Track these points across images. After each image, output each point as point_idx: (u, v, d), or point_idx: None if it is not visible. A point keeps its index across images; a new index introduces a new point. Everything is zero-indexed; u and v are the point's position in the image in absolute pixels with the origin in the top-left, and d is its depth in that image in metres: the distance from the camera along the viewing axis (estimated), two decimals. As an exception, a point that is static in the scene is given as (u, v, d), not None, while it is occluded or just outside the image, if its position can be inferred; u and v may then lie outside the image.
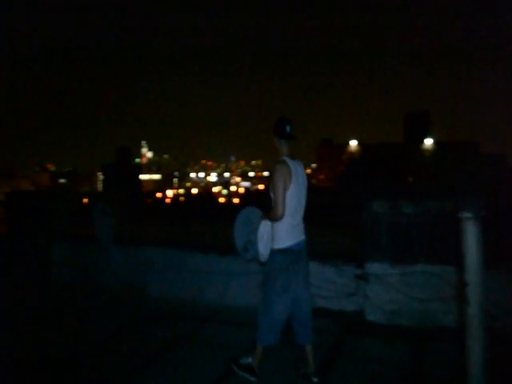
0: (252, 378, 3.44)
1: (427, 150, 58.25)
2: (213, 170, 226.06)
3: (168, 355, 3.99)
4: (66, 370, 3.80)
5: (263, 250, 3.44)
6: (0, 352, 4.20)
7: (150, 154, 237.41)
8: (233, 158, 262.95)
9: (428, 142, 59.36)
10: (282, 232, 3.35)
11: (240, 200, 41.21)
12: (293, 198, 3.30)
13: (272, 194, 3.32)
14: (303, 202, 3.44)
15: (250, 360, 3.51)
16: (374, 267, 4.56)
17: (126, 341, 4.37)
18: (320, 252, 5.12)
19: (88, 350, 4.17)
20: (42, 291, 6.22)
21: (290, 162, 3.34)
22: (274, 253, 3.40)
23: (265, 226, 3.43)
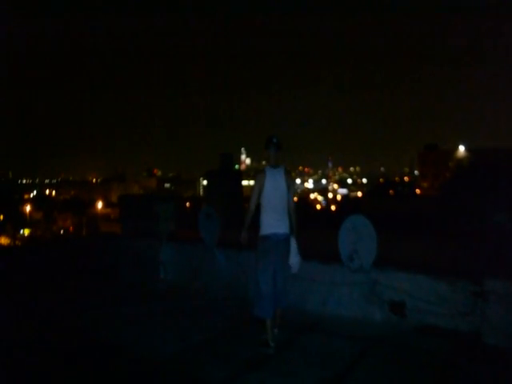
0: (269, 351, 4.05)
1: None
2: (310, 176, 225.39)
3: (268, 361, 3.95)
4: (170, 368, 3.95)
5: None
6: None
7: (248, 161, 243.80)
8: (330, 165, 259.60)
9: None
10: (264, 223, 4.17)
11: (337, 207, 40.49)
12: (269, 198, 4.14)
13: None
14: (282, 202, 4.18)
15: (263, 336, 4.12)
16: (494, 285, 4.11)
17: (227, 344, 4.42)
18: (431, 266, 4.76)
19: (190, 350, 4.28)
20: (151, 289, 6.58)
21: (270, 171, 4.19)
22: (258, 239, 4.19)
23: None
